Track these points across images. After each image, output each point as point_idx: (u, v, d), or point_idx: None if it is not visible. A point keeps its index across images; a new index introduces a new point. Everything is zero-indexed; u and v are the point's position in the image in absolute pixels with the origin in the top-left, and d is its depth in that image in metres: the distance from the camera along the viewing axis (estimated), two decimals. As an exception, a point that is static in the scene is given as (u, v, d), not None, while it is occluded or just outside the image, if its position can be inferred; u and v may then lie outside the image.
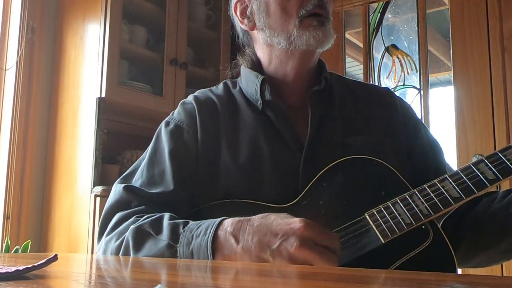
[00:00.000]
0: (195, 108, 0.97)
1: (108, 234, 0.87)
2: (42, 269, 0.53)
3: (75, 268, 0.68)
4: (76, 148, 2.15)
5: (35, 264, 0.51)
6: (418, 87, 2.45)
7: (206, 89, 1.04)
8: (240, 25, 1.02)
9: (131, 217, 0.85)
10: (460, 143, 2.19)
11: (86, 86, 2.16)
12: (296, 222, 0.69)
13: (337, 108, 0.96)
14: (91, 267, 0.70)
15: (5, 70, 2.21)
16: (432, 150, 0.99)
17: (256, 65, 1.01)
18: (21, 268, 0.50)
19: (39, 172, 2.23)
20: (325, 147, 0.90)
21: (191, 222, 0.79)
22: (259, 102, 0.95)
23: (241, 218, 0.74)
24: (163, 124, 0.99)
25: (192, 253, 0.75)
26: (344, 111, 0.96)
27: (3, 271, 0.49)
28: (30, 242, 1.92)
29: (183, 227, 0.78)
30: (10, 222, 2.10)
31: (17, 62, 2.18)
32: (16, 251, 1.89)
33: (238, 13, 1.01)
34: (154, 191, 0.89)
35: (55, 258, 0.54)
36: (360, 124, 0.95)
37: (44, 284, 0.46)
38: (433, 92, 2.51)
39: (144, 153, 0.98)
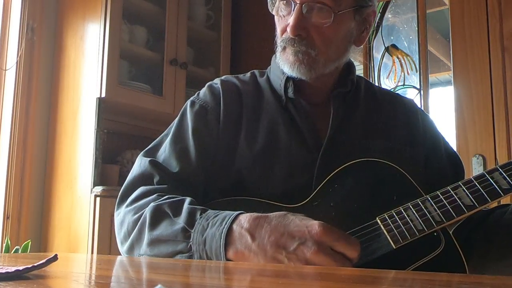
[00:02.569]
0: (221, 91, 0.98)
1: (128, 205, 0.88)
2: (42, 269, 0.53)
3: (75, 268, 0.68)
4: (76, 148, 2.15)
5: (35, 264, 0.51)
6: (418, 87, 2.45)
7: (233, 75, 1.06)
8: None
9: (153, 194, 0.86)
10: (460, 143, 2.19)
11: (86, 86, 2.16)
12: (314, 225, 0.68)
13: (360, 112, 0.97)
14: (91, 267, 0.70)
15: (5, 70, 2.21)
16: (451, 168, 0.99)
17: None
18: (21, 268, 0.49)
19: (39, 172, 2.23)
20: (344, 148, 0.90)
21: (209, 210, 0.78)
22: (282, 97, 0.96)
23: (259, 214, 0.73)
24: (188, 103, 1.01)
25: (205, 241, 0.74)
26: (366, 115, 0.97)
27: (3, 271, 0.48)
28: (30, 242, 1.91)
29: (201, 214, 0.77)
30: (10, 222, 2.10)
31: (17, 62, 2.18)
32: (16, 251, 1.88)
33: None
34: (175, 170, 0.91)
35: (55, 258, 0.54)
36: (380, 129, 0.96)
37: (44, 284, 0.46)
38: (433, 92, 2.50)
39: (167, 129, 1.00)
